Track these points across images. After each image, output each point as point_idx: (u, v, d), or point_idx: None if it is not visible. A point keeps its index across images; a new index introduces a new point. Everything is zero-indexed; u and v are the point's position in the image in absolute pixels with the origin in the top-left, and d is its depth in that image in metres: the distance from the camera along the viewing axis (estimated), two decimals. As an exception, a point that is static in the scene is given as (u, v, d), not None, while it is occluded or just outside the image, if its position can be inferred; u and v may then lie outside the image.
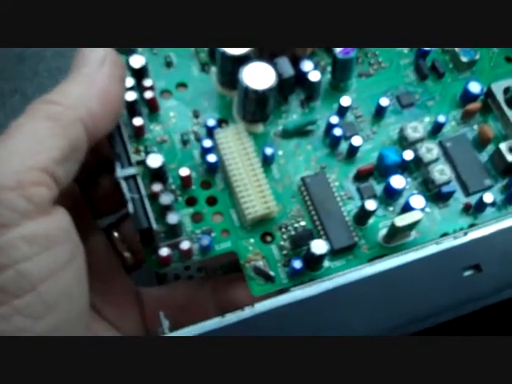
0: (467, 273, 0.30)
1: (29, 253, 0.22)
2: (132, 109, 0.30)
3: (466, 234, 0.29)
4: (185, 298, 0.33)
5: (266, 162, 0.31)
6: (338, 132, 0.31)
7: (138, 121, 0.30)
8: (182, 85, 0.33)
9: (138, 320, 0.32)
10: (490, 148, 0.32)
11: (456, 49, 0.34)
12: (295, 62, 0.32)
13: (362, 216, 0.30)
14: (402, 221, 0.29)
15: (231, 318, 0.26)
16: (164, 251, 0.28)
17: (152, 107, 0.31)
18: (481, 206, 0.31)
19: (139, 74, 0.31)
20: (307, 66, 0.32)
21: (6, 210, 0.22)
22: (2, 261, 0.22)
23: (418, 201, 0.30)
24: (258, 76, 0.29)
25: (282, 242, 0.30)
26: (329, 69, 0.33)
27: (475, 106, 0.32)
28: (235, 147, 0.30)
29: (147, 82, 0.31)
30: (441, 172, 0.31)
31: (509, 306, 0.30)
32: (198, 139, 0.31)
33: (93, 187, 0.33)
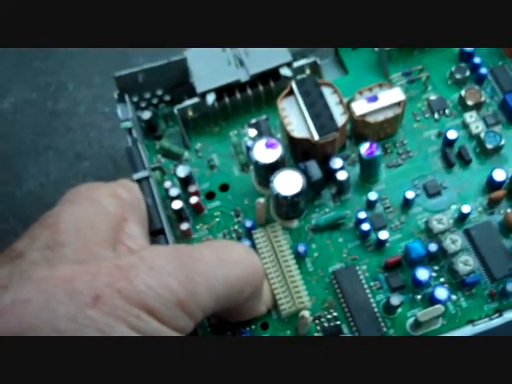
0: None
1: None
2: (179, 215, 0.34)
3: (501, 314, 0.31)
4: None
5: (300, 256, 0.34)
6: (366, 227, 0.34)
7: (184, 225, 0.34)
8: (225, 185, 0.36)
9: None
10: (516, 233, 0.34)
11: (481, 135, 0.35)
12: (325, 159, 0.35)
13: (389, 308, 0.32)
14: (424, 316, 0.31)
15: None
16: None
17: (197, 210, 0.35)
18: (504, 293, 0.32)
19: (185, 181, 0.35)
20: (337, 163, 0.35)
21: None
22: None
23: (441, 292, 0.32)
24: (288, 182, 0.33)
25: (315, 334, 0.33)
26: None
27: (499, 193, 0.34)
28: (271, 246, 0.33)
29: (192, 188, 0.35)
30: (465, 263, 0.33)
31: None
32: (239, 237, 0.35)
33: None
